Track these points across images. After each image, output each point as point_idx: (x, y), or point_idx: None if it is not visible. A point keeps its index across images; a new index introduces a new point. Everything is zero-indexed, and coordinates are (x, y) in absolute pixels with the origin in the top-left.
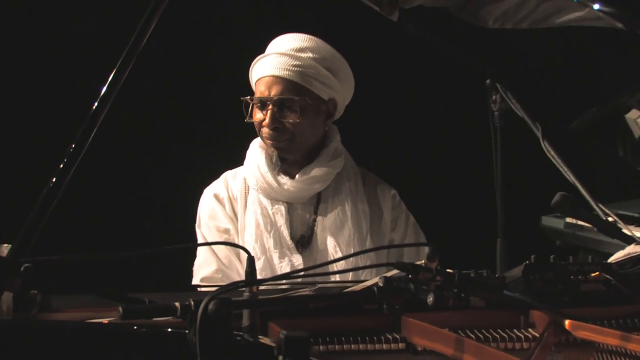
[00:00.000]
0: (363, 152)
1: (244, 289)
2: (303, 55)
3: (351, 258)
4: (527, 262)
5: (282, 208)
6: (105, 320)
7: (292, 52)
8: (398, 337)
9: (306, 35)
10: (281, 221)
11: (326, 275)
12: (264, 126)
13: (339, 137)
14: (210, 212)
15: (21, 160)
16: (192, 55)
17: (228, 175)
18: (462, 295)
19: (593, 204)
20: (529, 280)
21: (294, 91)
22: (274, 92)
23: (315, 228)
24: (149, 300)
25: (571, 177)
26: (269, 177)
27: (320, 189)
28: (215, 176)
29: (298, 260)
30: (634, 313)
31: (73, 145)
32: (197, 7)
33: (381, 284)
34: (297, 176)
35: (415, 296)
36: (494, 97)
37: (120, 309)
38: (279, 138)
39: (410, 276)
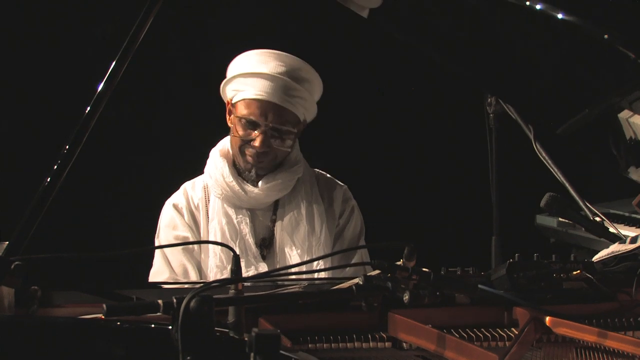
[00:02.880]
0: (364, 154)
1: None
2: (294, 80)
3: (311, 255)
4: (511, 260)
5: (247, 217)
6: (102, 316)
7: (285, 77)
8: (385, 335)
9: (291, 56)
10: (246, 230)
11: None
12: (253, 147)
13: (298, 145)
14: (169, 222)
15: (19, 161)
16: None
17: (187, 185)
18: (438, 293)
19: (581, 203)
20: (513, 278)
21: (286, 120)
22: (270, 118)
23: (274, 230)
24: (137, 297)
25: (561, 178)
26: (234, 185)
27: (283, 195)
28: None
29: (263, 268)
30: (613, 310)
31: (67, 147)
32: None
33: (361, 283)
34: (260, 183)
35: (392, 294)
36: (489, 100)
37: (104, 306)
38: (264, 159)
39: (389, 275)
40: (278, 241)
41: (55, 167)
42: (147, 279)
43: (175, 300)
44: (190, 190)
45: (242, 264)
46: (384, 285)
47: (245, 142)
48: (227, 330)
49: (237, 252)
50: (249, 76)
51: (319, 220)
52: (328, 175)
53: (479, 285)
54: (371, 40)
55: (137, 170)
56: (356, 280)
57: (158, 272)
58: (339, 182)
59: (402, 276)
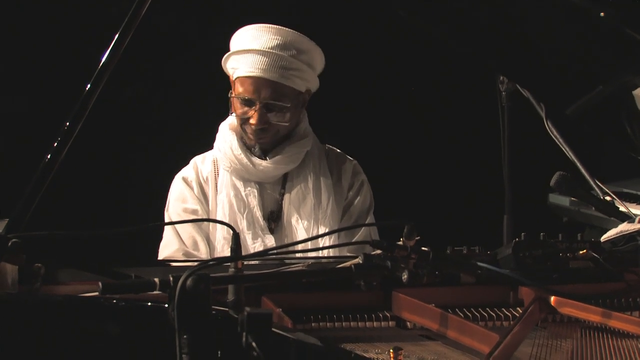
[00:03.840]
0: (376, 132)
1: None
2: (287, 54)
3: (316, 232)
4: (517, 239)
5: (255, 190)
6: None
7: (277, 51)
8: (389, 315)
9: (285, 29)
10: (254, 202)
11: (297, 253)
12: (251, 125)
13: (306, 118)
14: (179, 195)
15: (20, 138)
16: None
17: (197, 159)
18: (437, 272)
19: (592, 182)
20: (519, 257)
21: (282, 94)
22: (263, 94)
23: (282, 204)
24: (135, 275)
25: (572, 156)
26: (243, 158)
27: (291, 168)
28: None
29: (270, 241)
30: (619, 290)
31: (67, 124)
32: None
33: (361, 261)
34: (269, 157)
35: (392, 273)
36: (501, 78)
37: (99, 284)
38: (265, 135)
39: (388, 254)
40: (285, 214)
41: (56, 143)
42: (156, 256)
43: (171, 279)
44: (200, 164)
45: (250, 237)
46: (383, 264)
47: (245, 120)
48: (225, 309)
49: (245, 224)
50: (242, 53)
51: (325, 194)
52: (338, 150)
53: (479, 263)
54: (384, 18)
55: (148, 145)
56: (357, 260)
57: (168, 245)
58: (349, 157)
59: (401, 255)
